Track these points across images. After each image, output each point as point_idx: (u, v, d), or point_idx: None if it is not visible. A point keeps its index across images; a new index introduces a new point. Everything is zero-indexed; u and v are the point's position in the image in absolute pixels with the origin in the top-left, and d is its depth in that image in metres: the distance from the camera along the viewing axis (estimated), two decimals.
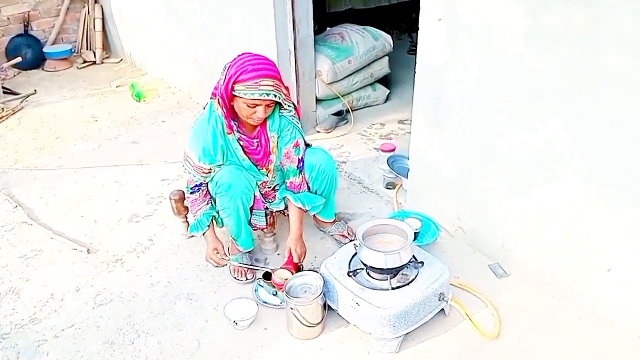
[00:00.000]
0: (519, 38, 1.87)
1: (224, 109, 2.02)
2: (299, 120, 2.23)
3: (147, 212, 2.87)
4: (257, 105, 1.96)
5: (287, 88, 2.08)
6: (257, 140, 2.16)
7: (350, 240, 2.45)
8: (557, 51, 1.78)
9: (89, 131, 3.92)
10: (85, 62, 5.34)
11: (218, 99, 2.03)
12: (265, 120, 2.10)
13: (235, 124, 2.09)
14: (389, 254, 1.89)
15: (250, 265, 2.30)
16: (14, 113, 4.25)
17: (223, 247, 2.25)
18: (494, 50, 1.97)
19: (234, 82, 1.93)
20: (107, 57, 5.49)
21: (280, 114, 2.14)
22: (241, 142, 2.13)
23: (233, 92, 1.95)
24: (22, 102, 4.43)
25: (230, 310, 2.08)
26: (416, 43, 5.23)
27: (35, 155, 3.57)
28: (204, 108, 2.14)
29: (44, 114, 4.25)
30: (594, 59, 1.70)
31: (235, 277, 2.30)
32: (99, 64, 5.38)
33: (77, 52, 5.47)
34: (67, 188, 3.14)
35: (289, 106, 2.14)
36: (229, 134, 2.09)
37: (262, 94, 1.92)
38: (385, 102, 3.94)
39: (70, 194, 3.08)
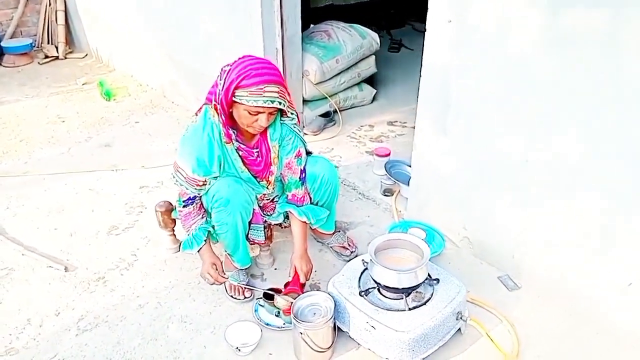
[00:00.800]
0: (534, 40, 1.78)
1: (222, 116, 1.86)
2: (300, 128, 2.08)
3: (128, 223, 2.66)
4: (260, 112, 1.81)
5: (289, 94, 1.93)
6: (257, 150, 2.01)
7: (352, 252, 2.34)
8: (575, 54, 1.69)
9: (56, 133, 3.65)
10: (47, 57, 5.01)
11: (215, 105, 1.86)
12: (265, 128, 1.95)
13: (233, 133, 1.93)
14: (405, 273, 1.77)
15: (251, 286, 2.13)
16: None
17: (222, 263, 2.08)
18: (507, 53, 1.87)
19: (236, 88, 1.76)
20: (70, 52, 5.17)
21: (281, 121, 1.99)
22: (240, 152, 1.97)
23: (233, 98, 1.79)
24: None
25: (231, 334, 1.92)
26: (397, 40, 5.16)
27: None
28: (196, 114, 1.97)
29: (5, 114, 3.94)
30: (615, 63, 1.62)
31: (232, 296, 2.13)
32: (61, 59, 5.07)
33: (38, 47, 5.14)
34: (36, 197, 2.89)
35: (292, 114, 1.99)
36: (227, 143, 1.92)
37: (267, 101, 1.77)
38: (371, 102, 3.83)
39: (40, 203, 2.84)
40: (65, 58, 5.08)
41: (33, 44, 5.02)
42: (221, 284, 2.08)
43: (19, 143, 3.51)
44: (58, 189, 2.97)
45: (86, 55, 5.12)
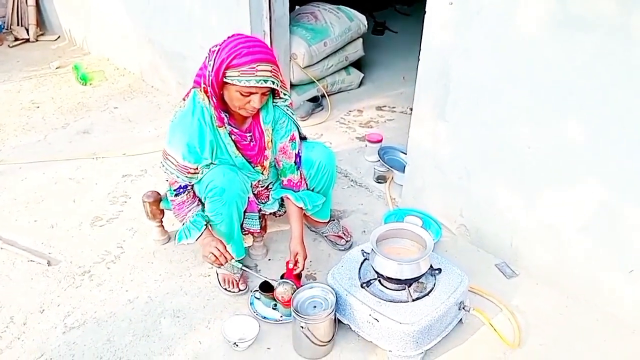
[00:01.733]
0: (539, 24, 1.72)
1: (214, 99, 1.77)
2: (293, 111, 2.01)
3: (112, 214, 2.55)
4: (253, 93, 1.72)
5: (282, 74, 1.85)
6: (250, 134, 1.93)
7: (347, 241, 2.28)
8: (583, 38, 1.65)
9: (31, 120, 3.49)
10: (17, 40, 4.79)
11: (204, 88, 1.77)
12: (258, 111, 1.87)
13: (226, 116, 1.84)
14: (409, 264, 1.72)
15: (249, 271, 2.05)
16: None
17: (224, 245, 1.95)
18: (511, 37, 1.81)
19: (226, 68, 1.67)
20: (41, 35, 4.96)
21: (274, 103, 1.91)
22: (233, 137, 1.88)
23: (224, 79, 1.70)
24: None
25: (228, 329, 1.85)
26: (381, 23, 5.07)
27: None
28: (184, 99, 1.87)
29: None
30: (624, 48, 1.58)
31: (225, 289, 2.06)
32: (32, 42, 4.86)
33: (7, 29, 4.91)
34: (13, 187, 2.76)
35: (284, 94, 1.91)
36: (219, 127, 1.83)
37: (259, 80, 1.68)
38: (359, 86, 3.75)
39: (18, 194, 2.70)
40: (37, 40, 4.87)
41: (2, 26, 4.79)
42: (226, 263, 1.93)
43: None
44: (36, 178, 2.84)
45: (58, 37, 4.91)
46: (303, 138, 2.10)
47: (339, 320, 1.85)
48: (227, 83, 1.71)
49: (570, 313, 1.96)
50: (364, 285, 1.80)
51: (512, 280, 2.12)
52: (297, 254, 1.97)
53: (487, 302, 2.01)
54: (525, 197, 2.01)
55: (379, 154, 2.65)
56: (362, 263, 1.92)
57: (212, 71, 1.72)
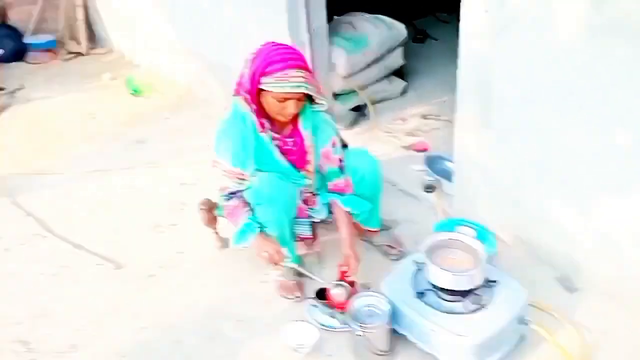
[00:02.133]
0: (582, 29, 1.73)
1: (253, 106, 1.86)
2: (333, 116, 2.08)
3: (171, 220, 2.67)
4: (288, 99, 1.81)
5: (316, 80, 1.93)
6: (292, 139, 2.01)
7: (399, 251, 2.33)
8: (633, 42, 1.64)
9: (89, 130, 3.66)
10: (70, 53, 4.99)
11: (244, 96, 1.87)
12: (297, 116, 1.95)
13: (266, 122, 1.93)
14: (463, 275, 1.76)
15: (308, 273, 2.11)
16: (1, 111, 3.93)
17: (279, 245, 2.02)
18: (552, 42, 1.83)
19: (261, 75, 1.78)
20: (93, 48, 5.13)
21: (312, 109, 1.99)
22: (275, 142, 1.97)
23: (260, 86, 1.80)
24: (8, 98, 4.11)
25: (288, 335, 1.93)
26: (421, 30, 5.08)
27: (35, 158, 3.31)
28: (228, 108, 1.98)
29: (35, 112, 3.95)
30: None
31: (283, 296, 2.15)
32: (85, 55, 5.04)
33: (61, 44, 5.11)
34: (77, 194, 2.92)
35: (321, 100, 1.98)
36: (261, 132, 1.92)
37: (293, 86, 1.78)
38: (401, 95, 3.79)
39: (82, 201, 2.86)
40: (89, 54, 5.05)
41: (55, 41, 4.99)
42: (280, 261, 2.00)
43: (53, 141, 3.52)
44: (97, 186, 2.99)
45: (109, 50, 5.09)
46: (344, 145, 2.16)
47: (397, 330, 1.88)
48: (263, 90, 1.81)
49: (637, 330, 1.90)
50: (419, 295, 1.85)
51: (574, 294, 2.07)
52: (348, 257, 2.03)
53: (548, 318, 1.95)
54: (581, 205, 1.99)
55: (425, 163, 2.69)
56: (415, 273, 1.96)
57: (248, 79, 1.83)
